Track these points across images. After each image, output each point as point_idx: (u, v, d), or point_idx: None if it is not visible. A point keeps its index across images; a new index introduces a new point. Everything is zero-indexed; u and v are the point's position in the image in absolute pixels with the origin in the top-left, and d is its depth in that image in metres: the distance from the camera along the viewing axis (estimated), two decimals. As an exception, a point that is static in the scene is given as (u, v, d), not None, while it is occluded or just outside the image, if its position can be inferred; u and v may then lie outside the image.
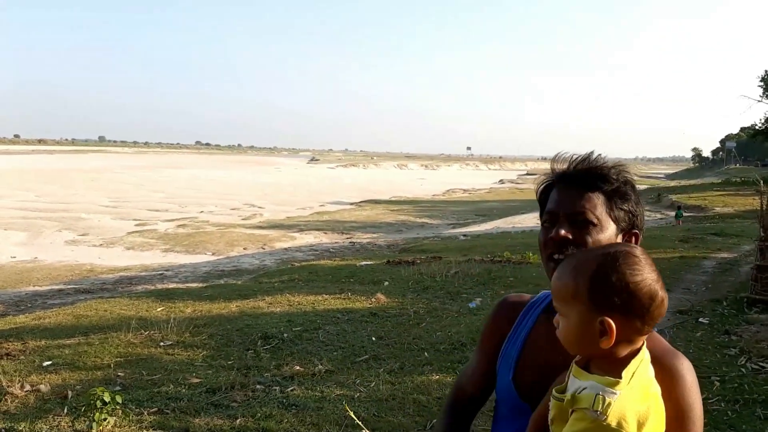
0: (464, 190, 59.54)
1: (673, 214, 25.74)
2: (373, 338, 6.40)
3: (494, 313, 1.39)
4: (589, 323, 1.00)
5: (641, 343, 1.04)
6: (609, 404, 0.94)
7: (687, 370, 1.09)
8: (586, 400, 0.96)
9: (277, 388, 4.84)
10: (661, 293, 1.02)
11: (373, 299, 8.50)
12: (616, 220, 1.21)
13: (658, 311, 1.01)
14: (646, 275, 1.01)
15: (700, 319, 6.93)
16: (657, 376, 1.04)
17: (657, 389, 1.02)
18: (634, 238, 1.23)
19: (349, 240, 23.38)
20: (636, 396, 0.97)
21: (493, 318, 1.39)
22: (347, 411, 3.56)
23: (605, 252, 1.05)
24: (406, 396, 4.68)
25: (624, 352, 1.02)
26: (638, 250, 1.05)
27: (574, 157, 1.26)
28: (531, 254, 12.46)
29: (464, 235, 23.33)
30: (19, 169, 66.28)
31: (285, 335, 6.40)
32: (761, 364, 5.40)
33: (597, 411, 0.94)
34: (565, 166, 1.26)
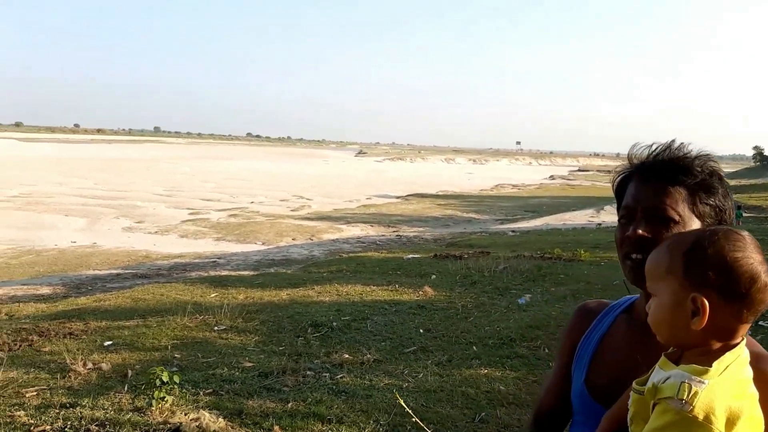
0: (513, 186, 58.75)
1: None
2: (421, 330, 6.43)
3: (570, 321, 1.34)
4: (682, 302, 0.93)
5: (740, 338, 0.95)
6: (695, 393, 0.85)
7: None
8: (670, 389, 0.88)
9: (327, 374, 4.92)
10: (765, 278, 0.92)
11: (420, 292, 8.52)
12: (700, 216, 1.11)
13: (760, 296, 0.92)
14: (749, 254, 0.93)
15: (761, 323, 6.68)
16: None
17: (755, 392, 0.92)
18: None
19: (396, 233, 23.44)
20: (728, 390, 0.88)
21: (569, 325, 1.34)
22: (397, 399, 3.59)
23: (705, 229, 1.00)
24: (454, 388, 4.69)
25: (719, 344, 0.93)
26: (744, 231, 0.97)
27: (654, 146, 1.16)
28: (582, 251, 12.23)
29: (513, 231, 23.09)
30: (79, 158, 68.94)
31: (334, 324, 6.49)
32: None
33: (682, 400, 0.86)
34: (644, 157, 1.17)
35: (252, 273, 12.49)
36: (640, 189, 1.15)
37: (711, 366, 0.90)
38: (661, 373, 0.94)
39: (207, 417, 3.86)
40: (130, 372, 4.87)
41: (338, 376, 4.88)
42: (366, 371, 5.04)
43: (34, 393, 4.35)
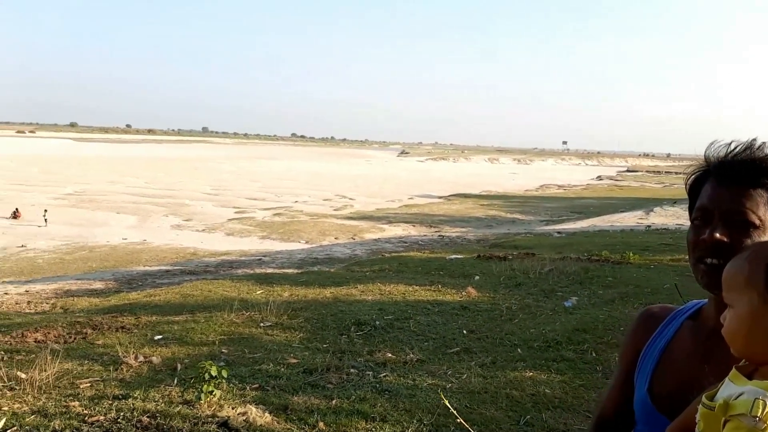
0: (559, 186, 57.84)
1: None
2: (464, 331, 6.38)
3: (632, 325, 1.30)
4: (761, 314, 0.90)
5: None
6: None
7: None
8: (743, 406, 0.84)
9: (370, 373, 4.93)
10: None
11: (463, 293, 8.46)
12: None
13: None
14: None
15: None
16: None
17: None
18: None
19: (438, 233, 23.38)
20: None
21: (631, 330, 1.29)
22: (442, 399, 3.57)
23: None
24: (498, 390, 4.63)
25: None
26: None
27: (734, 145, 1.10)
28: (632, 254, 11.94)
29: (558, 232, 22.71)
30: (130, 157, 71.08)
31: (377, 323, 6.51)
32: None
33: (756, 418, 0.82)
34: (722, 156, 1.11)
35: (296, 271, 12.65)
36: (717, 190, 1.09)
37: None
38: (733, 387, 0.90)
39: (254, 411, 3.92)
40: (179, 366, 4.99)
41: (381, 375, 4.88)
42: (409, 371, 5.03)
43: (88, 384, 4.49)
